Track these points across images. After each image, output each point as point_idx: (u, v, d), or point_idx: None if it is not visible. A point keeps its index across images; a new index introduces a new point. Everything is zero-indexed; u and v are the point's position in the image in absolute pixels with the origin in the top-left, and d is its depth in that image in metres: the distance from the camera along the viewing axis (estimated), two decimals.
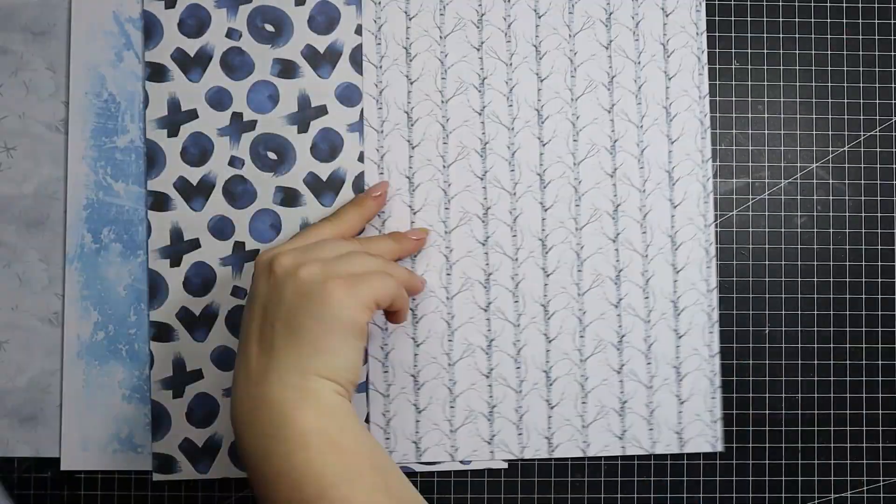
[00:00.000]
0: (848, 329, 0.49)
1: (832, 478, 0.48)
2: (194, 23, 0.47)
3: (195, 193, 0.47)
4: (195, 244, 0.47)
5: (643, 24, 0.48)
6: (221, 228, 0.47)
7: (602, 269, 0.47)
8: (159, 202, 0.47)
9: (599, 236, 0.47)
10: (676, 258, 0.48)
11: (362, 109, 0.47)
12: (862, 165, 0.49)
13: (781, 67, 0.49)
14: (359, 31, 0.47)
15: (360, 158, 0.47)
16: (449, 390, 0.47)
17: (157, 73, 0.47)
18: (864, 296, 0.49)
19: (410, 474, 0.47)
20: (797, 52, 0.49)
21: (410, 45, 0.48)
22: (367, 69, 0.47)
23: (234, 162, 0.47)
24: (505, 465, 0.47)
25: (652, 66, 0.48)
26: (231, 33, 0.47)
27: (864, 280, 0.49)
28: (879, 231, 0.49)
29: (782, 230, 0.49)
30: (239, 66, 0.47)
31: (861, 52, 0.49)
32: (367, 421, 0.47)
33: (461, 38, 0.48)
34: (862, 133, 0.49)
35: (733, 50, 0.48)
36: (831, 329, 0.49)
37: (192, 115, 0.47)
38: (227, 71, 0.47)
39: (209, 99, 0.47)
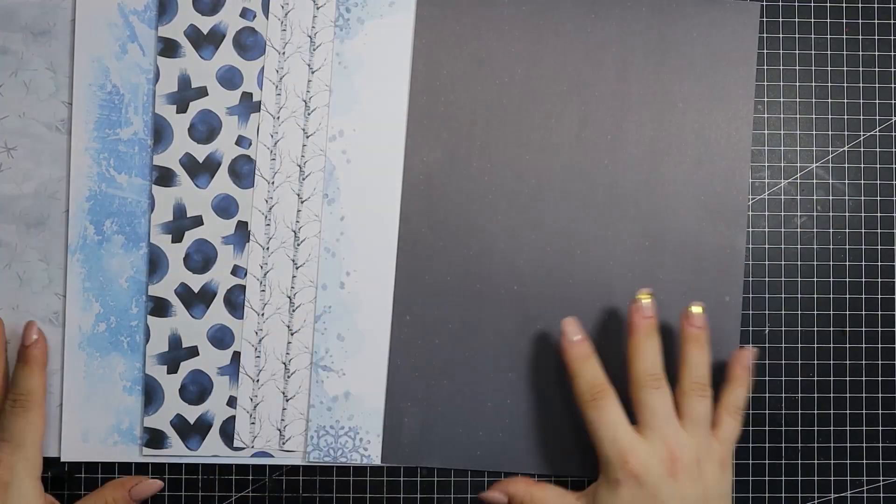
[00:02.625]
0: (848, 329, 0.49)
1: (832, 478, 0.48)
2: (209, 0, 0.48)
3: (201, 170, 0.48)
4: (198, 221, 0.47)
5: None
6: (225, 207, 0.47)
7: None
8: (164, 177, 0.47)
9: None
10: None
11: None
12: (862, 165, 0.49)
13: (781, 67, 0.49)
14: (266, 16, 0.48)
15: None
16: None
17: (169, 48, 0.47)
18: (864, 296, 0.49)
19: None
20: (797, 52, 0.49)
21: (315, 35, 0.48)
22: (270, 54, 0.47)
23: (242, 142, 0.48)
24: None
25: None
26: (245, 13, 0.48)
27: (864, 280, 0.49)
28: (879, 231, 0.49)
29: (782, 230, 0.49)
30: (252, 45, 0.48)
31: (861, 52, 0.49)
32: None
33: None
34: (862, 133, 0.49)
35: None
36: (831, 329, 0.49)
37: (202, 92, 0.47)
38: (239, 50, 0.48)
39: (220, 77, 0.48)
